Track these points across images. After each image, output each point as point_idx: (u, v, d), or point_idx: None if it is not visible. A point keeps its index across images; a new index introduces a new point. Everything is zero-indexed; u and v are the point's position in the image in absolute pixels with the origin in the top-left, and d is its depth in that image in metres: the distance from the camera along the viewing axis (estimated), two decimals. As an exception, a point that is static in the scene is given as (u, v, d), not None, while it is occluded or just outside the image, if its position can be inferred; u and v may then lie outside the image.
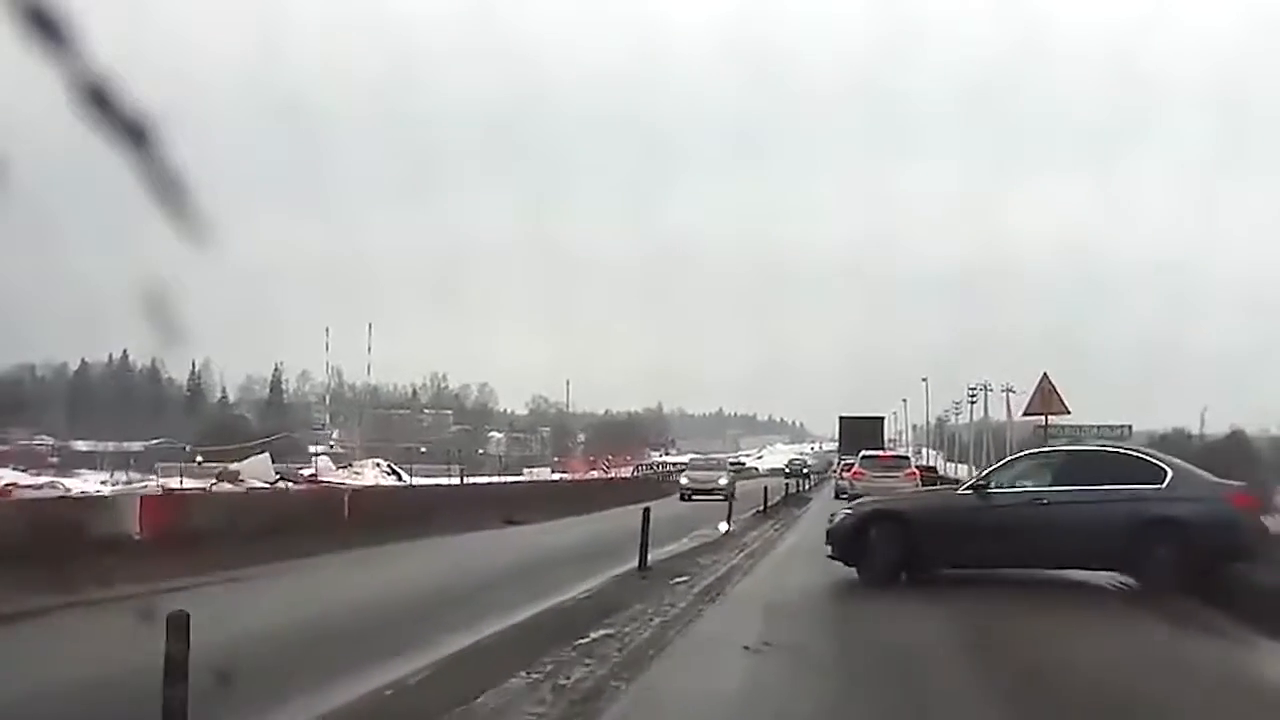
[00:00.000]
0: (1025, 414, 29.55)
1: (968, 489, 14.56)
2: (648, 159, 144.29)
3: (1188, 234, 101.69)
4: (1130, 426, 38.70)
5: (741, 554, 18.45)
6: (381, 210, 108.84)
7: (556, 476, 54.23)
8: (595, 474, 57.31)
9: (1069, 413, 29.43)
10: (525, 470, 57.75)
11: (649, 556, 15.69)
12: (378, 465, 45.02)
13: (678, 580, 14.16)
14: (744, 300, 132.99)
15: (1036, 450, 16.76)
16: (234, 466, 37.22)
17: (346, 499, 20.40)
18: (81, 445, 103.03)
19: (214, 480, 34.23)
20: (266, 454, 40.93)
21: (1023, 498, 13.56)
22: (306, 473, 43.23)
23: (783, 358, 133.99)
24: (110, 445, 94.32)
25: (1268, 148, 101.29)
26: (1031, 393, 29.20)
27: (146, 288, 2.30)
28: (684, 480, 42.26)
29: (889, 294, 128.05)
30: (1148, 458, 14.18)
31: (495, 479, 38.77)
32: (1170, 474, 13.46)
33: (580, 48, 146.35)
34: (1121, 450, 15.37)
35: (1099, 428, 36.22)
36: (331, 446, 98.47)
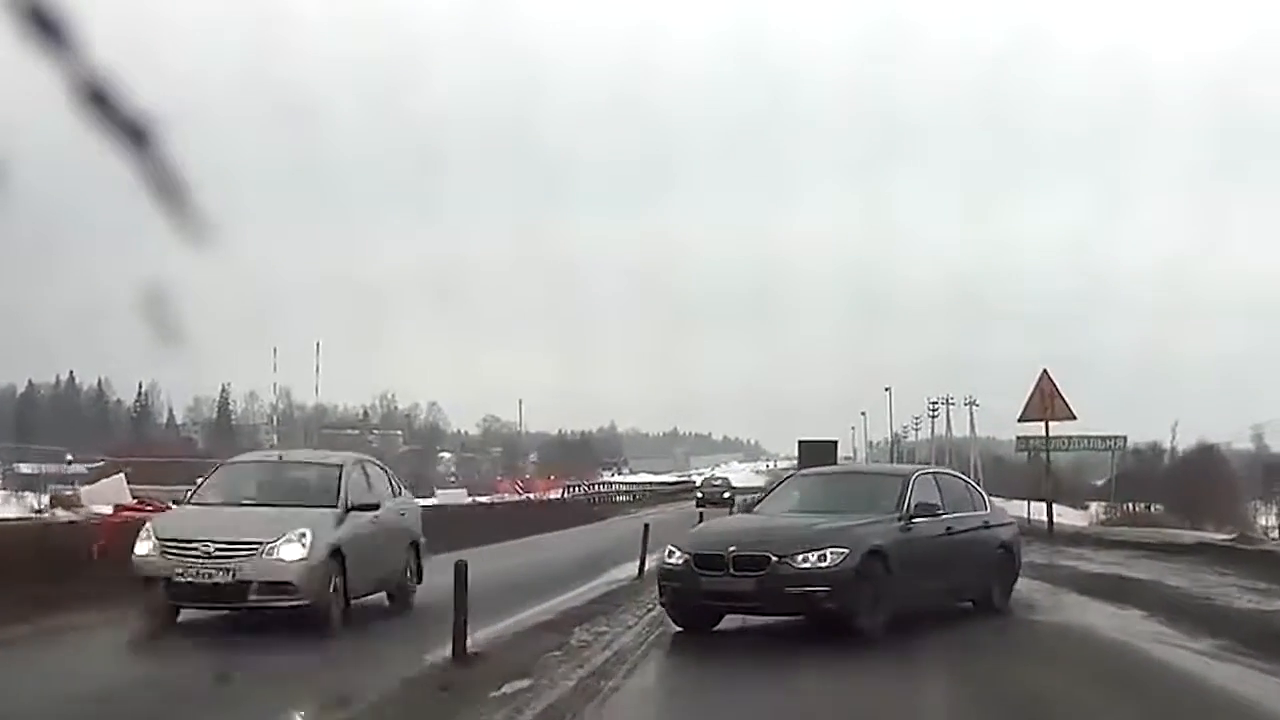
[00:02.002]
0: (1021, 419, 23.45)
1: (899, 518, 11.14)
2: (564, 182, 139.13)
3: (1176, 248, 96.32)
4: (1125, 437, 32.95)
5: (649, 614, 12.12)
6: (328, 229, 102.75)
7: (471, 500, 47.21)
8: (511, 496, 49.85)
9: (1074, 418, 23.37)
10: (438, 491, 50.63)
11: (489, 629, 9.65)
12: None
13: (508, 687, 7.84)
14: (699, 319, 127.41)
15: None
16: (84, 489, 30.45)
17: (101, 538, 13.87)
18: (25, 468, 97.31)
19: (42, 508, 27.56)
20: (121, 475, 33.96)
21: (937, 527, 11.34)
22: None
23: (739, 376, 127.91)
24: (52, 468, 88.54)
25: (1264, 159, 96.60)
26: (1028, 394, 23.08)
27: (144, 290, 2.33)
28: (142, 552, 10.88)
29: (848, 309, 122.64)
30: (974, 484, 14.39)
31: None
32: (987, 498, 13.46)
33: (566, 73, 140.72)
34: (959, 475, 14.89)
35: (1090, 438, 30.24)
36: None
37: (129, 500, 30.82)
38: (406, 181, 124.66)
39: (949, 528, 11.54)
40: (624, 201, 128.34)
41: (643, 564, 16.19)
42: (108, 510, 27.49)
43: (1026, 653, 9.80)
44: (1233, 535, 24.91)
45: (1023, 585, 15.26)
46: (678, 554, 10.76)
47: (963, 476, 15.26)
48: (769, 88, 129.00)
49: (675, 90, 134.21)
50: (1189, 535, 25.33)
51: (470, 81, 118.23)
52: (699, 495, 52.63)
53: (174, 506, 13.15)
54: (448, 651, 8.69)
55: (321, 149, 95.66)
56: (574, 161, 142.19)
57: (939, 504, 11.58)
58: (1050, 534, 22.88)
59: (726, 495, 48.40)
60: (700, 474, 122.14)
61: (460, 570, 8.63)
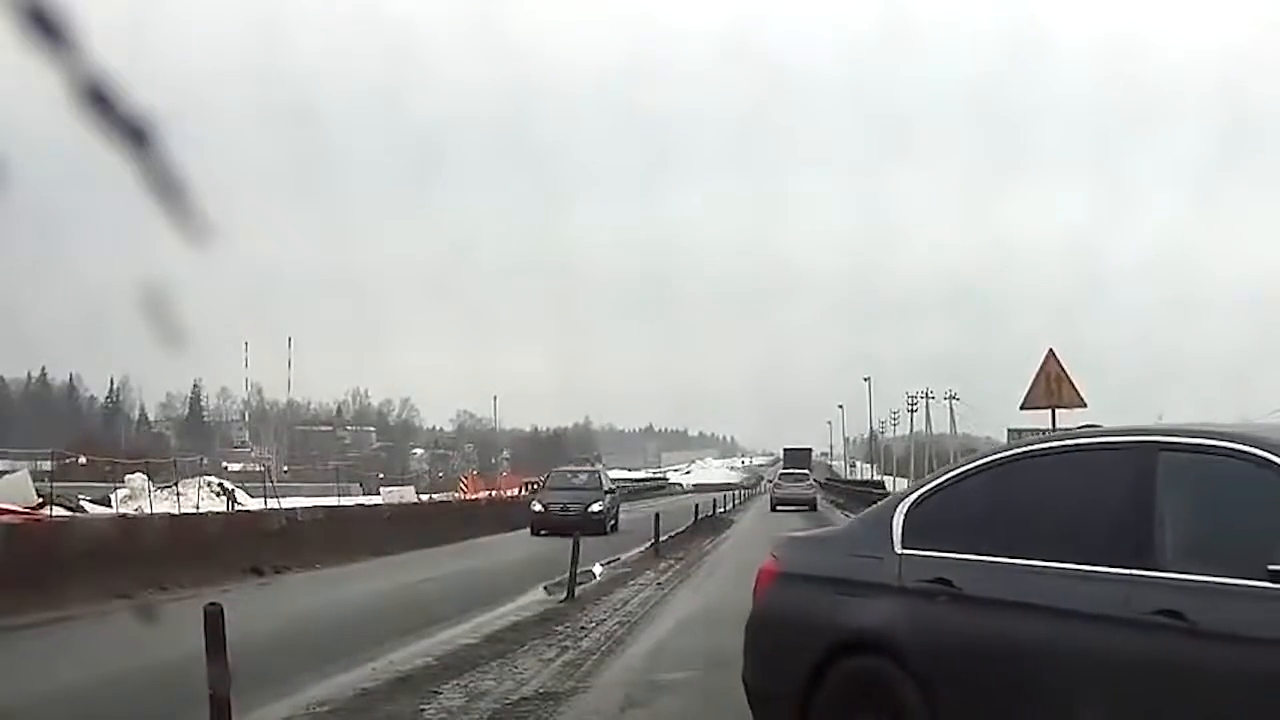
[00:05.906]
0: (1024, 407, 20.24)
1: None
2: (542, 177, 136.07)
3: (1162, 242, 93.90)
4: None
5: (561, 659, 8.85)
6: (300, 223, 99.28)
7: (417, 499, 43.77)
8: (457, 495, 46.31)
9: (1084, 405, 20.19)
10: (384, 490, 47.06)
11: (330, 682, 7.08)
12: (208, 485, 34.73)
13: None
14: (679, 316, 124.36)
15: None
16: (-27, 485, 26.72)
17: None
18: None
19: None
20: (24, 470, 30.45)
21: None
22: (121, 494, 32.44)
23: (716, 372, 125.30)
24: (23, 465, 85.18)
25: (1263, 151, 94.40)
26: (1032, 378, 19.84)
27: (144, 287, 2.12)
28: None
29: (831, 307, 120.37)
30: None
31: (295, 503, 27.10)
32: None
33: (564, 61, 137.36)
34: None
35: (1087, 427, 26.90)
36: (243, 467, 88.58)
37: (34, 499, 27.14)
38: (384, 177, 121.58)
39: None
40: (603, 199, 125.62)
41: (572, 584, 12.86)
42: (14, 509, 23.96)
43: None
44: None
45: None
46: None
47: None
48: (764, 83, 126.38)
49: (659, 86, 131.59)
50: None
51: (461, 77, 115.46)
52: (537, 507, 27.07)
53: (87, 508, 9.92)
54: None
55: (299, 144, 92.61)
56: (556, 161, 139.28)
57: None
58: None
59: (595, 509, 25.61)
60: (676, 469, 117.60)
61: (213, 621, 5.13)
